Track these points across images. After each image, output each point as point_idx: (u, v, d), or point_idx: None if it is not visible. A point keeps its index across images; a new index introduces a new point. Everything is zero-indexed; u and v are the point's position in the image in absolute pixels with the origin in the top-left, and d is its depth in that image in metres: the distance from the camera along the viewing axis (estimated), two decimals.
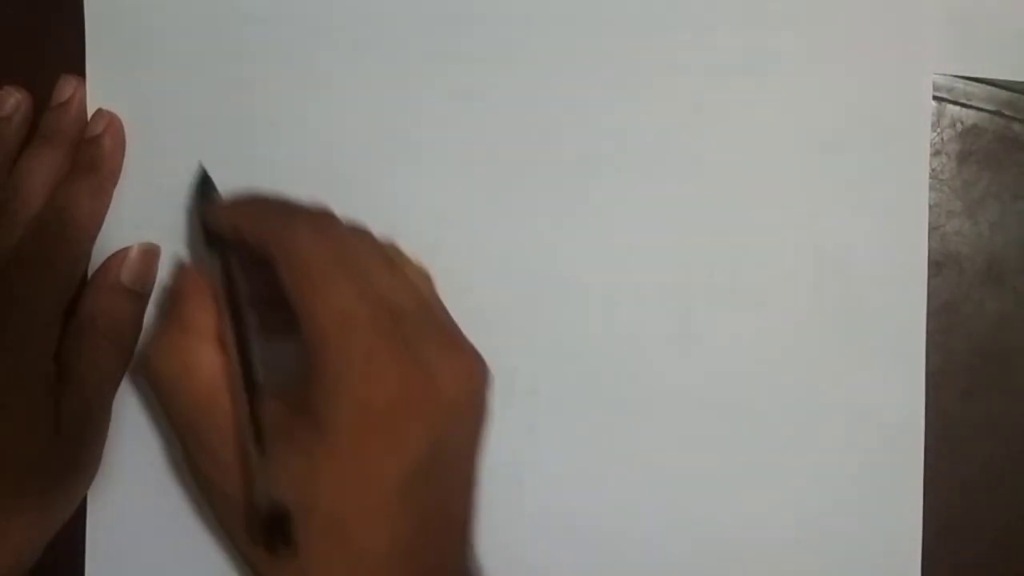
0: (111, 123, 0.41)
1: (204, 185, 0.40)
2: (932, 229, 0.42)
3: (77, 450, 0.39)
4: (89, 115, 0.41)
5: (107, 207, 0.41)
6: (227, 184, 0.40)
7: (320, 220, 0.36)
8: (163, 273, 0.41)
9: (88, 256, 0.41)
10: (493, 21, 0.42)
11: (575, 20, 0.42)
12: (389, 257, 0.36)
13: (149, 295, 0.41)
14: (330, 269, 0.33)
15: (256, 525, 0.33)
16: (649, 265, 0.42)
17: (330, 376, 0.32)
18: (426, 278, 0.38)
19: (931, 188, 0.42)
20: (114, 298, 0.40)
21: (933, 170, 0.42)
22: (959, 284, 0.43)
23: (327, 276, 0.33)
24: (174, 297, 0.37)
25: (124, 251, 0.40)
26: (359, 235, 0.36)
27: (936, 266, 0.42)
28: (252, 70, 0.42)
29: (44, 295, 0.39)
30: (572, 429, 0.42)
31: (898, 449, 0.41)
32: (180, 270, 0.38)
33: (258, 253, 0.35)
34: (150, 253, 0.41)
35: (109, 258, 0.41)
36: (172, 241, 0.41)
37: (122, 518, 0.41)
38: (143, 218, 0.41)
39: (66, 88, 0.41)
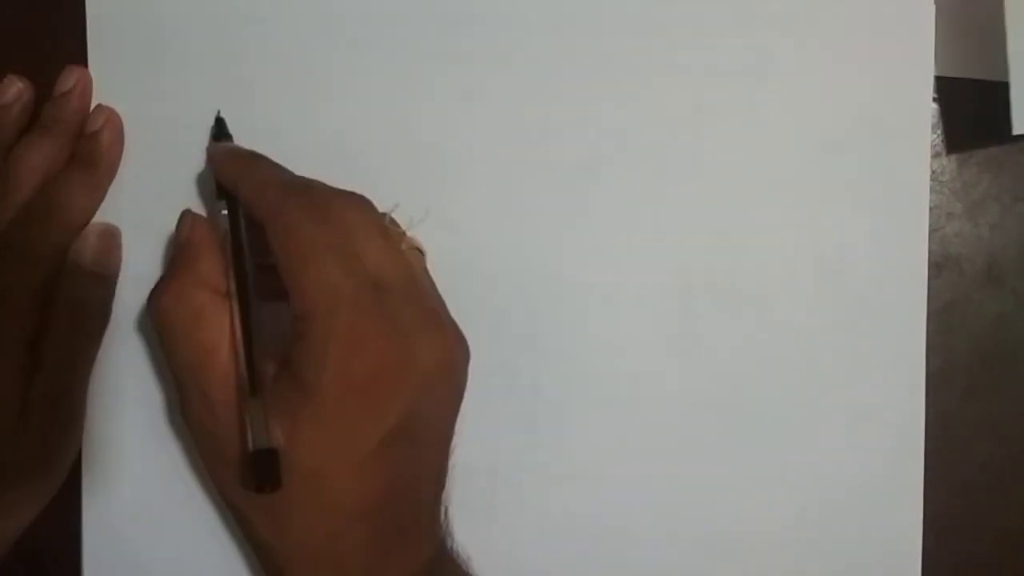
0: (110, 119, 0.41)
1: (220, 132, 0.41)
2: (932, 231, 0.42)
3: (48, 438, 0.39)
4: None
5: (100, 202, 0.41)
6: None
7: (314, 196, 0.36)
8: (149, 259, 0.41)
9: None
10: (493, 21, 0.42)
11: (575, 20, 0.42)
12: (384, 229, 0.37)
13: (115, 277, 0.41)
14: (319, 246, 0.35)
15: (246, 465, 0.35)
16: (649, 265, 0.42)
17: (316, 347, 0.34)
18: (419, 253, 0.39)
19: (931, 190, 0.42)
20: (77, 281, 0.40)
21: (933, 172, 0.42)
22: (959, 286, 0.43)
23: (315, 253, 0.35)
24: (190, 249, 0.38)
25: (83, 234, 0.40)
26: (355, 208, 0.37)
27: (936, 268, 0.42)
28: (252, 69, 0.42)
29: (23, 283, 0.38)
30: (572, 429, 0.42)
31: (898, 449, 0.41)
32: (194, 222, 0.39)
33: (251, 215, 0.37)
34: (108, 234, 0.41)
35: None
36: (167, 238, 0.41)
37: (121, 518, 0.41)
38: (142, 216, 0.41)
39: (69, 78, 0.41)
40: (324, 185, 0.37)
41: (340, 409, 0.34)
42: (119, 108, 0.41)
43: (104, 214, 0.41)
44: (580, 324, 0.42)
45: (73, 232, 0.40)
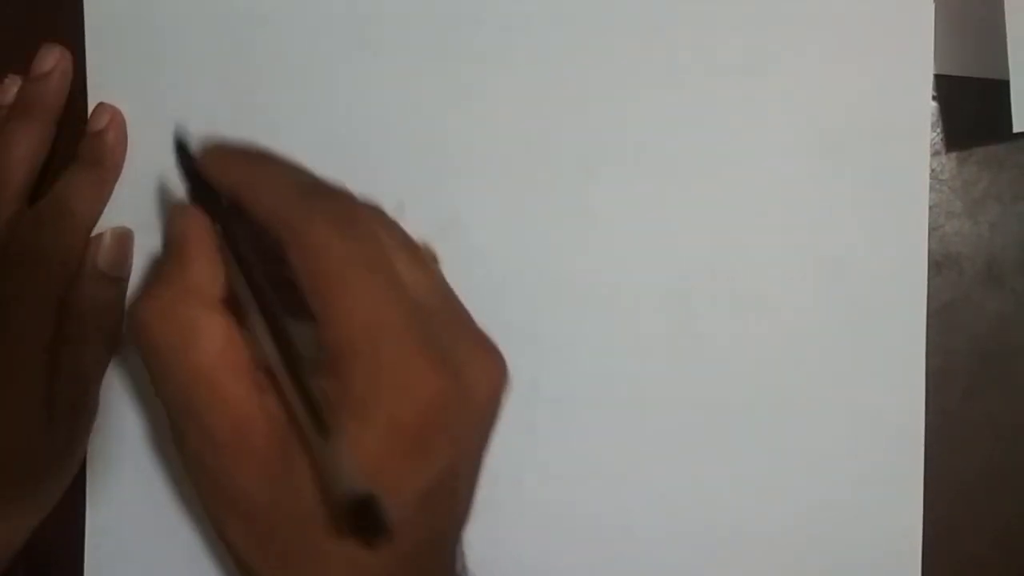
0: (114, 118, 0.41)
1: (182, 153, 0.35)
2: (932, 230, 0.42)
3: (67, 439, 0.39)
4: (90, 110, 0.41)
5: (106, 201, 0.41)
6: None
7: (341, 205, 0.32)
8: (152, 258, 0.41)
9: (84, 249, 0.40)
10: (493, 21, 0.42)
11: (575, 20, 0.42)
12: (407, 239, 0.33)
13: (127, 279, 0.41)
14: (355, 268, 0.30)
15: (344, 516, 0.29)
16: (649, 265, 0.42)
17: (358, 391, 0.29)
18: (434, 261, 0.36)
19: (931, 188, 0.42)
20: (93, 284, 0.40)
21: (933, 170, 0.42)
22: (959, 285, 0.43)
23: (351, 277, 0.30)
24: (178, 251, 0.32)
25: (98, 237, 0.41)
26: (379, 218, 0.32)
27: (936, 267, 0.42)
28: (252, 69, 0.42)
29: (38, 286, 0.39)
30: (572, 429, 0.42)
31: (898, 449, 0.41)
32: (183, 215, 0.32)
33: (262, 225, 0.31)
34: (123, 237, 0.41)
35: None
36: None
37: (124, 521, 0.41)
38: (142, 216, 0.41)
39: (48, 59, 0.40)
40: (345, 191, 0.33)
41: (385, 464, 0.29)
42: (118, 107, 0.41)
43: (106, 215, 0.41)
44: (580, 324, 0.42)
45: (81, 232, 0.40)
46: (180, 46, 0.42)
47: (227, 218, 0.32)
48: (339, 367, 0.29)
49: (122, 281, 0.41)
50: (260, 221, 0.31)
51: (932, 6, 0.41)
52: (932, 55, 0.42)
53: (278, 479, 0.30)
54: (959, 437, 0.42)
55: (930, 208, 0.42)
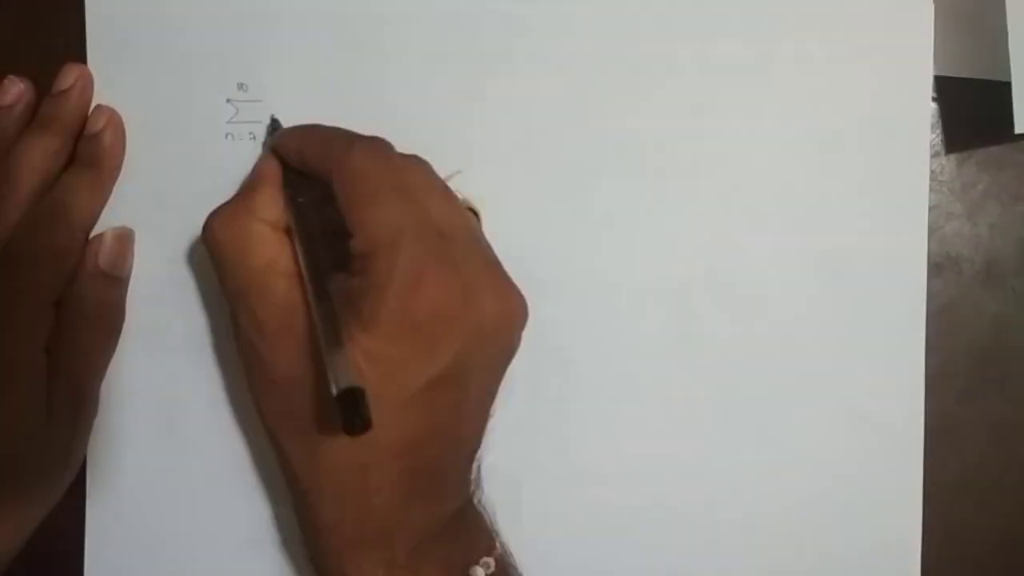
0: (112, 119, 0.41)
1: (274, 128, 0.41)
2: (931, 231, 0.42)
3: (67, 438, 0.40)
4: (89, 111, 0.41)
5: (105, 202, 0.41)
6: (226, 183, 0.40)
7: (377, 144, 0.37)
8: (151, 258, 0.42)
9: (81, 249, 0.41)
10: (494, 22, 0.42)
11: (575, 21, 0.42)
12: (446, 187, 0.38)
13: (128, 279, 0.41)
14: (384, 186, 0.35)
15: (333, 406, 0.33)
16: (649, 265, 0.42)
17: (377, 281, 0.34)
18: (475, 216, 0.40)
19: (931, 189, 0.42)
20: (94, 284, 0.40)
21: (932, 171, 0.42)
22: (958, 286, 0.43)
23: (381, 192, 0.35)
24: (251, 181, 0.39)
25: (99, 237, 0.41)
26: (417, 164, 0.38)
27: (935, 268, 0.43)
28: (252, 69, 0.42)
29: (35, 286, 0.39)
30: (572, 429, 0.42)
31: (898, 450, 0.41)
32: (261, 158, 0.40)
33: (318, 173, 0.37)
34: (124, 237, 0.41)
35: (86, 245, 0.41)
36: (170, 237, 0.41)
37: (124, 520, 0.42)
38: (141, 215, 0.41)
39: (68, 76, 0.41)
40: (384, 140, 0.38)
41: (393, 345, 0.34)
42: (118, 108, 0.41)
43: (105, 215, 0.41)
44: (580, 324, 0.42)
45: (79, 233, 0.41)
46: (180, 46, 0.42)
47: (294, 173, 0.39)
48: (365, 265, 0.35)
49: (122, 281, 0.41)
50: (314, 166, 0.37)
51: (932, 7, 0.42)
52: (932, 56, 0.42)
53: (309, 361, 0.35)
54: (958, 437, 0.42)
55: (929, 209, 0.42)
